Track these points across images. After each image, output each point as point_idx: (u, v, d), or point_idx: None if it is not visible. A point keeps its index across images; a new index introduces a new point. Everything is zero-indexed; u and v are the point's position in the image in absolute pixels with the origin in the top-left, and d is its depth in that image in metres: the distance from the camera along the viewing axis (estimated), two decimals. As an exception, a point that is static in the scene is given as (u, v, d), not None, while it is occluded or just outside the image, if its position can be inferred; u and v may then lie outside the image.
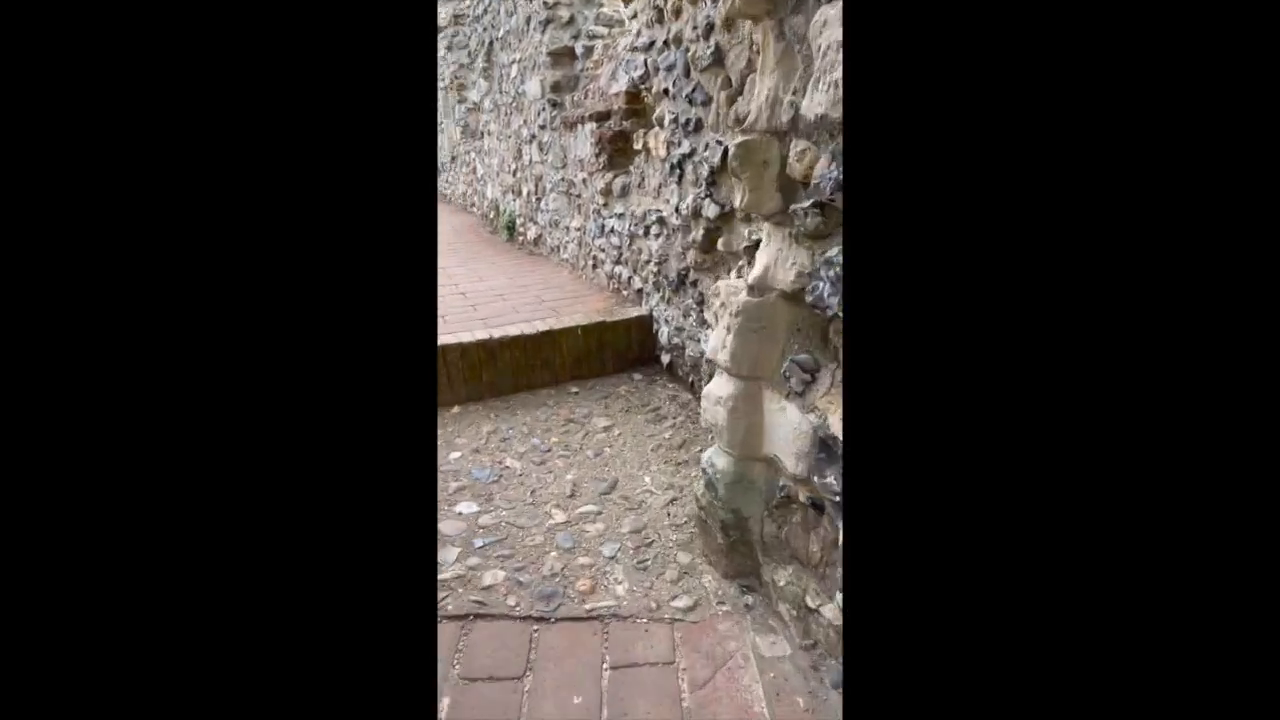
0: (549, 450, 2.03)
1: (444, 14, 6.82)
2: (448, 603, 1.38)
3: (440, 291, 3.24)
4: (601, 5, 3.42)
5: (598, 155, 2.92)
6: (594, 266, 3.21)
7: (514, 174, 4.67)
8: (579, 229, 3.39)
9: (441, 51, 7.06)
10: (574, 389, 2.45)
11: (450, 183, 7.94)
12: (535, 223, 4.26)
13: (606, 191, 2.90)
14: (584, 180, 3.20)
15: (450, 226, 5.96)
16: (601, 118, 2.92)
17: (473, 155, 6.20)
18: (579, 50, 3.41)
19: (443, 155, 8.33)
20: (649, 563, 1.52)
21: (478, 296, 3.09)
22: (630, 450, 2.02)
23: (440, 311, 2.84)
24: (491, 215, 5.58)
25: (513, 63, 4.25)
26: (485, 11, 4.82)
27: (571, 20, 3.46)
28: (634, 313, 2.57)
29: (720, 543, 1.43)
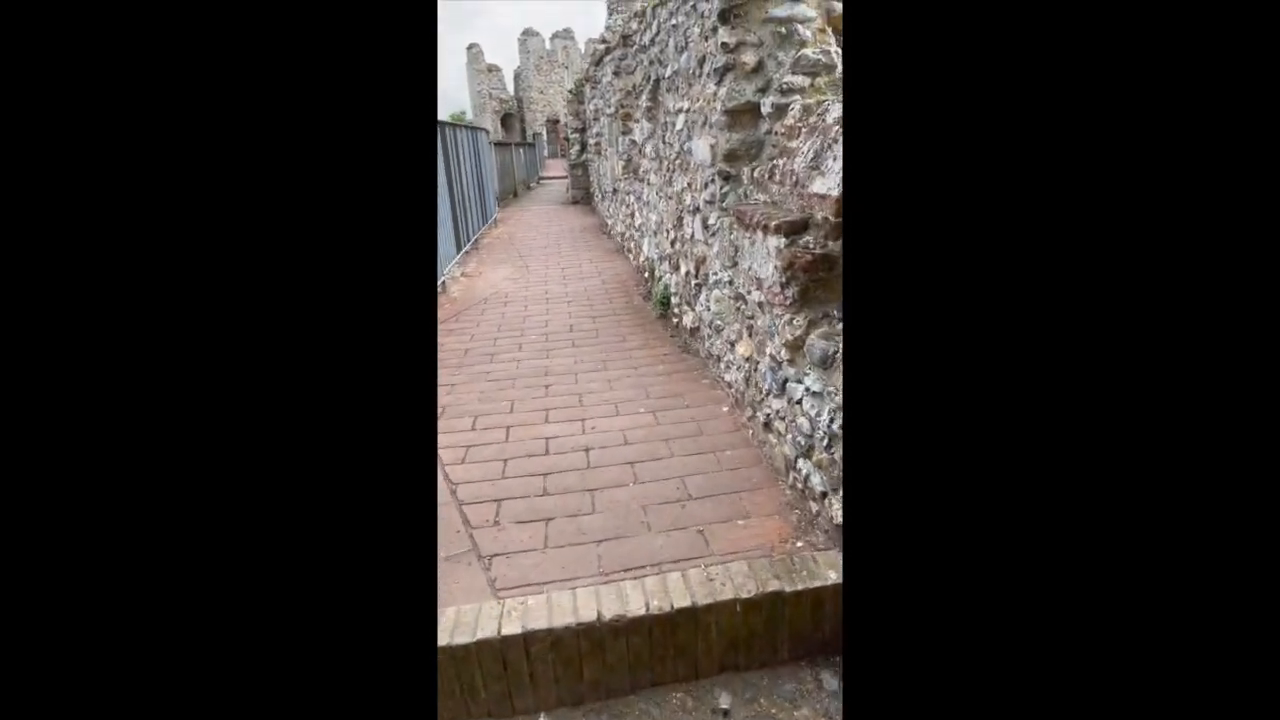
0: None
1: (615, 30, 6.18)
2: None
3: (559, 445, 2.48)
4: (804, 46, 2.41)
5: (785, 285, 1.96)
6: (765, 427, 2.26)
7: (673, 244, 3.83)
8: (747, 360, 2.45)
9: (609, 76, 6.43)
10: (723, 700, 1.54)
11: (611, 214, 7.36)
12: (693, 309, 3.39)
13: (795, 346, 1.93)
14: (760, 305, 2.25)
15: (601, 279, 5.30)
16: (794, 230, 1.95)
17: (632, 199, 5.48)
18: (766, 108, 2.44)
19: (605, 184, 7.78)
20: None
21: (601, 461, 2.28)
22: None
23: (547, 510, 2.07)
24: (646, 276, 4.81)
25: (679, 112, 3.38)
26: (653, 42, 4.01)
27: (759, 68, 2.50)
28: (831, 575, 1.59)
29: None
